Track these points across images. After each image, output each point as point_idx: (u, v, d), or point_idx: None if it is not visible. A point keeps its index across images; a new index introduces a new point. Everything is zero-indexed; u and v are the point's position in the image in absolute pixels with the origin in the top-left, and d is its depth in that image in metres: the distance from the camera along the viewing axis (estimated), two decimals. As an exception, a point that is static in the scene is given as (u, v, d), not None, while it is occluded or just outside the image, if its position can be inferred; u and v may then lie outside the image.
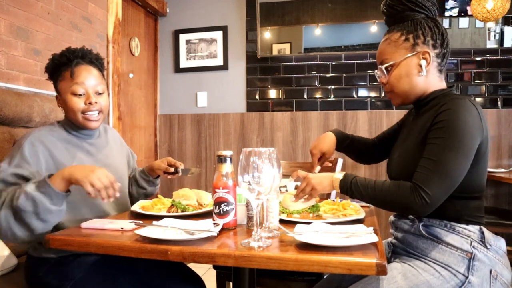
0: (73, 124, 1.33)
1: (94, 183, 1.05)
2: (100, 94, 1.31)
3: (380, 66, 1.17)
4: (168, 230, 0.99)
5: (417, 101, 1.17)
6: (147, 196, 1.57)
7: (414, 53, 1.11)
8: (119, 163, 1.47)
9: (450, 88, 1.16)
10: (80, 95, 1.27)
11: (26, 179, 1.14)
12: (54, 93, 1.36)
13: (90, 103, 1.27)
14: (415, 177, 1.01)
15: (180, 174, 1.48)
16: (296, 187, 1.19)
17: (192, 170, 1.50)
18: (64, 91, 1.28)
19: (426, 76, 1.12)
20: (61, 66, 1.29)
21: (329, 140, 1.39)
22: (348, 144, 1.42)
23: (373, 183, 1.05)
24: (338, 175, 1.11)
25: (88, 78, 1.28)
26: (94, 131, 1.38)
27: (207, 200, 1.33)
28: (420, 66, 1.11)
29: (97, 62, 1.34)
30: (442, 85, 1.16)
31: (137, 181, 1.55)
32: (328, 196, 1.74)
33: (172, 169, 1.47)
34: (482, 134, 1.02)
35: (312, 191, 1.13)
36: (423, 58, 1.11)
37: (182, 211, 1.24)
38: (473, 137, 0.99)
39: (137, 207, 1.29)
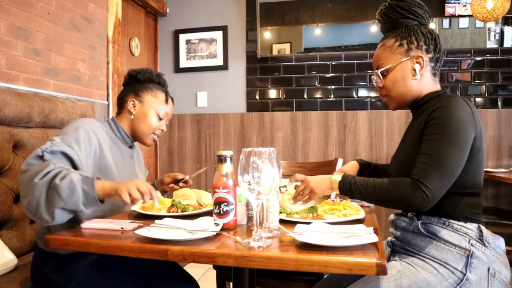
0: (123, 130, 1.43)
1: (131, 192, 1.03)
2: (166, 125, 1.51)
3: (376, 70, 1.21)
4: (168, 230, 0.99)
5: (412, 104, 1.20)
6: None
7: (408, 57, 1.15)
8: (141, 175, 1.56)
9: (443, 90, 1.18)
10: (161, 119, 1.46)
11: (72, 162, 1.17)
12: (54, 93, 1.37)
13: (162, 130, 1.48)
14: (413, 172, 1.02)
15: (187, 183, 1.57)
16: (296, 187, 1.19)
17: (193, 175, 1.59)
18: (150, 105, 1.43)
19: (420, 79, 1.16)
20: (154, 83, 1.47)
21: (352, 165, 1.41)
22: (370, 173, 1.41)
23: (373, 182, 1.06)
24: (337, 176, 1.12)
25: (170, 111, 1.51)
26: (132, 142, 1.50)
27: (207, 200, 1.33)
28: (414, 70, 1.15)
29: (173, 100, 1.54)
30: (437, 87, 1.19)
31: None
32: (327, 196, 1.74)
33: (180, 177, 1.56)
34: (476, 129, 1.04)
35: (310, 193, 1.13)
36: (417, 62, 1.15)
37: (182, 211, 1.24)
38: (467, 131, 1.02)
39: (137, 207, 1.29)
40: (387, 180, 1.05)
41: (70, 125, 1.27)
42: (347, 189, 1.09)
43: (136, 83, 1.46)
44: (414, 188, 0.99)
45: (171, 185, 1.56)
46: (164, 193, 1.61)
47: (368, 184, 1.06)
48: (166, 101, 1.47)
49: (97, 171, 1.27)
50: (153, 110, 1.43)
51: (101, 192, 1.03)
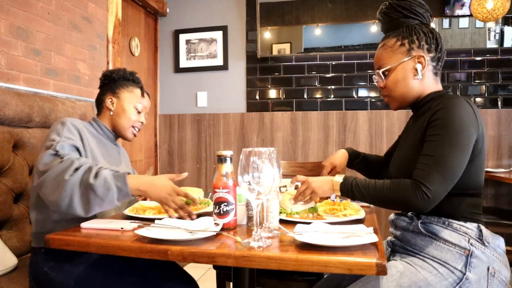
0: (105, 127, 1.47)
1: (169, 205, 1.11)
2: (145, 118, 1.56)
3: (377, 71, 1.21)
4: (168, 230, 0.99)
5: (414, 104, 1.20)
6: None
7: (410, 57, 1.14)
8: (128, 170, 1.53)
9: (445, 90, 1.18)
10: (139, 112, 1.50)
11: (78, 151, 1.24)
12: (54, 93, 1.38)
13: (141, 123, 1.52)
14: (415, 173, 1.02)
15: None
16: (297, 187, 1.19)
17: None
18: (127, 100, 1.48)
19: (422, 79, 1.15)
20: (128, 81, 1.52)
21: (341, 155, 1.43)
22: (359, 162, 1.45)
23: (374, 183, 1.06)
24: (338, 178, 1.12)
25: (148, 105, 1.56)
26: (116, 139, 1.54)
27: (199, 195, 1.34)
28: (416, 69, 1.14)
29: (149, 95, 1.60)
30: (438, 87, 1.19)
31: None
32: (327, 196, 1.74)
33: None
34: (478, 131, 1.04)
35: (312, 194, 1.13)
36: (419, 62, 1.14)
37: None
38: (469, 133, 1.02)
39: (127, 210, 1.27)
40: (388, 182, 1.05)
41: (54, 126, 1.29)
42: (349, 190, 1.09)
43: (111, 82, 1.51)
44: (415, 189, 0.99)
45: None
46: None
47: (370, 186, 1.06)
48: (142, 95, 1.52)
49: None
50: (131, 104, 1.48)
51: (133, 188, 1.09)
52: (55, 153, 1.15)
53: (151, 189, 1.10)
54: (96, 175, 1.07)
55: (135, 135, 1.52)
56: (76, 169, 1.08)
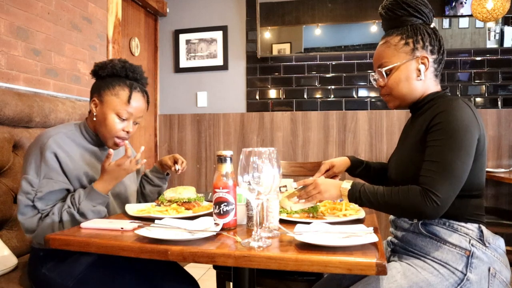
0: (92, 133, 1.35)
1: (128, 166, 1.23)
2: (137, 124, 1.36)
3: (379, 69, 1.18)
4: (168, 230, 0.99)
5: (413, 104, 1.19)
6: (160, 194, 1.59)
7: (414, 57, 1.13)
8: (127, 176, 1.42)
9: (443, 90, 1.17)
10: (124, 119, 1.30)
11: (63, 190, 1.22)
12: (54, 93, 1.37)
13: (127, 132, 1.31)
14: (422, 181, 1.00)
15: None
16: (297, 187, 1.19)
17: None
18: (110, 106, 1.29)
19: (424, 80, 1.14)
20: (116, 77, 1.31)
21: (342, 159, 1.40)
22: (361, 170, 1.40)
23: (382, 190, 1.05)
24: (346, 184, 1.10)
25: (138, 109, 1.32)
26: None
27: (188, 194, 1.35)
28: (419, 70, 1.13)
29: (147, 93, 1.39)
30: (437, 88, 1.18)
31: (152, 180, 1.60)
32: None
33: (177, 167, 1.51)
34: (479, 131, 1.03)
35: (317, 194, 1.12)
36: (422, 63, 1.13)
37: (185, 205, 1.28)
38: (471, 135, 1.01)
39: (131, 211, 1.26)
40: (397, 189, 1.03)
41: (33, 150, 1.21)
42: (357, 197, 1.07)
43: (100, 80, 1.33)
44: (424, 197, 0.98)
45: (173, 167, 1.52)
46: (167, 175, 1.61)
47: (378, 193, 1.05)
48: (129, 100, 1.29)
49: (80, 179, 1.27)
50: (113, 112, 1.28)
51: (105, 191, 1.22)
52: (32, 205, 1.17)
53: (113, 177, 1.22)
54: (84, 213, 1.17)
55: (117, 145, 1.32)
56: (60, 221, 1.16)
